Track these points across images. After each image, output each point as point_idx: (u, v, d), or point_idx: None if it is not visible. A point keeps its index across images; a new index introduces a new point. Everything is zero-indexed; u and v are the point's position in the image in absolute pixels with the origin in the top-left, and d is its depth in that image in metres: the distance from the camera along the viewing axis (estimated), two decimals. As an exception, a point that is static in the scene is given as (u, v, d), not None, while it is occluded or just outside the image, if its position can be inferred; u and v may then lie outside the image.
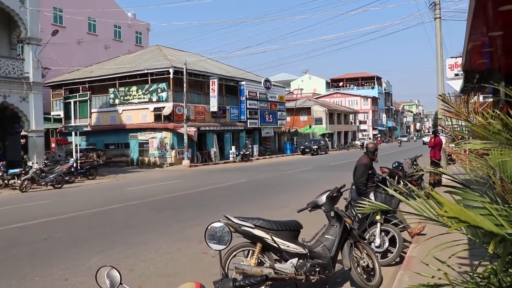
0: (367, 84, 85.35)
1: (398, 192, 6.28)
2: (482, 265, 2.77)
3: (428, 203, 2.23)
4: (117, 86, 33.70)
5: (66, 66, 34.39)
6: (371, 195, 6.68)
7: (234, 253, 4.99)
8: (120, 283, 2.08)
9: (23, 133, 23.72)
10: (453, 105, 2.95)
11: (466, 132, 3.16)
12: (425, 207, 2.24)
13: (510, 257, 2.22)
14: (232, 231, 4.70)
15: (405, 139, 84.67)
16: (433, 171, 7.46)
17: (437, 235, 2.61)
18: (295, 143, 47.21)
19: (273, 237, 4.84)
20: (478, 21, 5.44)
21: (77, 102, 25.16)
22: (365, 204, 2.60)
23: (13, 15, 20.78)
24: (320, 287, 5.18)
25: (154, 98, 32.05)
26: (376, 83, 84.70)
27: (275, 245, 4.84)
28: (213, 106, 34.32)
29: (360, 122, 76.41)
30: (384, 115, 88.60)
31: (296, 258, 4.89)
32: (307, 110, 59.31)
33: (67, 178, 19.54)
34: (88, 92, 27.05)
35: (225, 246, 2.39)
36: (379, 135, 77.29)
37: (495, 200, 2.35)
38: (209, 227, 2.45)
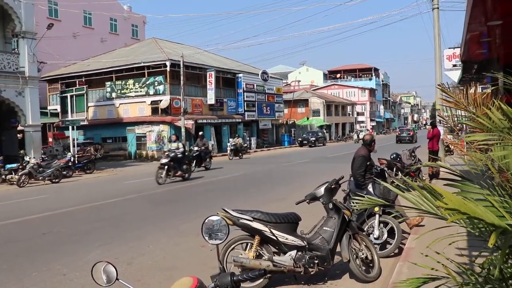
0: (365, 75, 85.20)
1: (395, 184, 6.27)
2: (482, 256, 2.75)
3: (424, 195, 2.20)
4: (113, 80, 33.54)
5: (62, 60, 34.17)
6: (370, 187, 6.66)
7: (233, 246, 4.98)
8: (117, 279, 2.05)
9: (19, 128, 23.61)
10: (452, 95, 2.91)
11: (465, 122, 3.13)
12: (421, 199, 2.21)
13: (509, 248, 2.20)
14: (230, 224, 4.69)
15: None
16: (432, 165, 7.43)
17: (436, 228, 2.58)
18: (293, 135, 47.16)
19: (271, 229, 4.83)
20: (477, 10, 5.40)
21: (74, 96, 25.01)
22: (363, 199, 2.58)
23: (7, 9, 20.56)
24: (319, 279, 5.18)
25: (151, 91, 31.93)
26: (373, 74, 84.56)
27: (274, 237, 4.83)
28: (211, 98, 34.21)
29: (358, 114, 76.28)
30: (381, 107, 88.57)
31: (295, 251, 4.89)
32: (304, 102, 59.22)
33: (64, 172, 19.47)
34: (85, 86, 26.87)
35: (222, 240, 2.37)
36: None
37: (495, 191, 2.32)
38: (206, 221, 2.42)
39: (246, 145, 35.49)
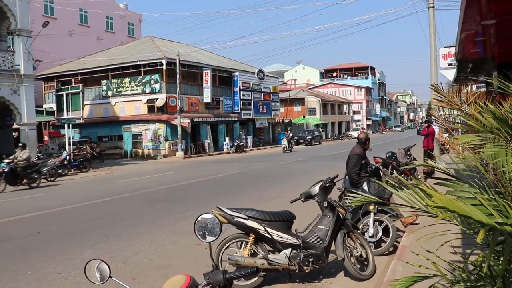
0: (361, 74, 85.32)
1: (390, 182, 6.30)
2: (474, 253, 2.77)
3: (418, 194, 2.22)
4: (109, 78, 33.44)
5: (57, 58, 34.05)
6: (365, 185, 6.68)
7: (228, 244, 5.00)
8: (110, 277, 2.06)
9: (15, 126, 23.53)
10: (445, 95, 2.93)
11: (459, 122, 3.15)
12: (415, 198, 2.23)
13: (499, 246, 2.22)
14: (225, 223, 4.71)
15: (398, 129, 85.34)
16: (424, 165, 7.47)
17: (430, 224, 2.60)
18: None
19: (266, 228, 4.84)
20: (471, 9, 5.42)
21: (70, 95, 24.96)
22: (357, 196, 2.59)
23: (2, 6, 20.48)
24: (313, 278, 5.20)
25: (147, 90, 31.86)
26: (369, 73, 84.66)
27: (268, 236, 4.84)
28: (207, 97, 34.17)
29: (354, 112, 76.40)
30: (378, 105, 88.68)
31: (290, 249, 4.90)
32: (300, 101, 59.24)
33: (60, 171, 19.41)
34: (81, 84, 26.85)
35: (215, 238, 2.38)
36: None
37: (485, 190, 2.34)
38: (199, 219, 2.43)
39: (242, 143, 35.32)
